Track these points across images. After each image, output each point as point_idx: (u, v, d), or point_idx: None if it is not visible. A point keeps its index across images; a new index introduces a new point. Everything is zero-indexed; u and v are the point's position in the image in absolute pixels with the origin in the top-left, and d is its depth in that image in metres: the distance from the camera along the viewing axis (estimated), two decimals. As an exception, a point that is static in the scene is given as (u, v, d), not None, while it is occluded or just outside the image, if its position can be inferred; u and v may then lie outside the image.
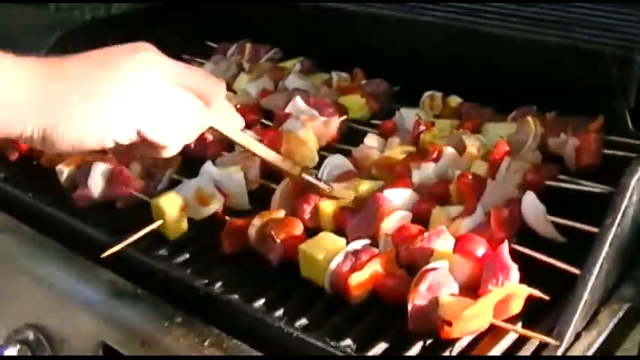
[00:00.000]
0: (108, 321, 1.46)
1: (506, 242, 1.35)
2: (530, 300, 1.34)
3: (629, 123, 1.57)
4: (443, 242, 1.41)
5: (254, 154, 1.55)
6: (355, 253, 1.42)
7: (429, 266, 1.34)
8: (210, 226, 1.61)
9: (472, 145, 1.71)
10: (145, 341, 1.40)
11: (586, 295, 1.33)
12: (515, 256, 1.39)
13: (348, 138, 1.90)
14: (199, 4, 2.45)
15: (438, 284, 1.32)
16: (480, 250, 1.37)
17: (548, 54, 1.73)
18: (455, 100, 1.97)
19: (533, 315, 1.36)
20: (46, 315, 1.56)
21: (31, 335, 1.54)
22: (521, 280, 1.34)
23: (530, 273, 1.39)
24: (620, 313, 1.44)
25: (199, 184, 1.61)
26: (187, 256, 1.56)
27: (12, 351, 1.54)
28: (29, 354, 1.54)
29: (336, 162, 1.69)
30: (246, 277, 1.50)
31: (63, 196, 1.77)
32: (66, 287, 1.55)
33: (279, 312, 1.39)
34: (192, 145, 1.84)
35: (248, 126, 1.90)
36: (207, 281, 1.47)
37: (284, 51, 2.38)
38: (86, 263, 1.57)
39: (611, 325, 1.41)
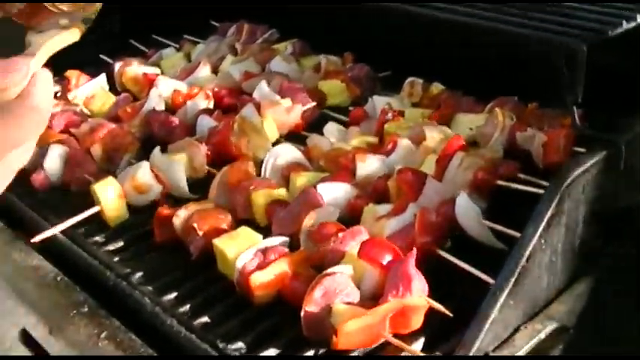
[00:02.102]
0: (27, 307, 1.45)
1: (414, 251, 1.27)
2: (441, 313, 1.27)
3: (577, 118, 1.47)
4: (357, 245, 1.35)
5: None
6: (264, 251, 1.37)
7: (329, 271, 1.29)
8: (153, 214, 1.58)
9: (432, 138, 1.63)
10: (52, 329, 1.39)
11: (494, 313, 1.25)
12: (443, 264, 1.34)
13: (320, 125, 1.83)
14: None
15: (335, 291, 1.26)
16: (386, 257, 1.30)
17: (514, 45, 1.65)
18: (437, 88, 1.89)
19: (441, 329, 1.28)
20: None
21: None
22: (438, 291, 1.27)
23: (459, 282, 1.33)
24: (543, 334, 1.34)
25: (135, 172, 1.59)
26: (121, 243, 1.56)
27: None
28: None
29: (283, 152, 1.63)
30: (170, 267, 1.48)
31: (25, 178, 1.74)
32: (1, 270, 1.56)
33: (185, 307, 1.37)
34: (157, 129, 1.82)
35: (226, 110, 1.88)
36: (129, 270, 1.46)
37: (283, 32, 2.32)
38: (23, 247, 1.57)
39: (527, 347, 1.32)
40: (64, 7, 1.28)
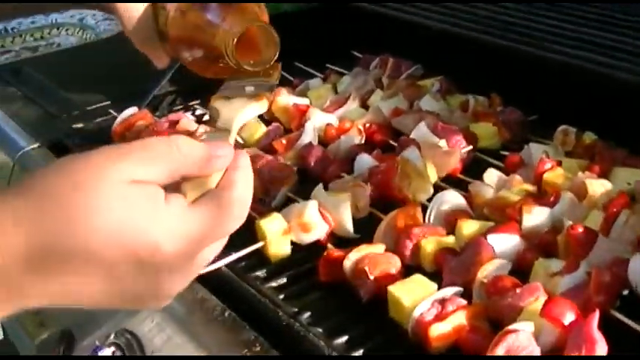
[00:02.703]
0: (193, 340, 1.48)
1: (596, 313, 1.28)
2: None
3: None
4: (535, 301, 1.35)
5: None
6: (442, 301, 1.39)
7: (512, 327, 1.29)
8: (315, 251, 1.60)
9: (594, 191, 1.63)
10: (224, 366, 1.42)
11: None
12: (613, 323, 1.34)
13: (473, 168, 1.84)
14: (350, 13, 2.44)
15: (518, 348, 1.27)
16: (568, 316, 1.31)
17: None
18: (589, 137, 1.87)
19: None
20: (142, 324, 1.60)
21: (124, 341, 1.58)
22: (613, 352, 1.27)
23: (632, 344, 1.33)
24: None
25: (303, 211, 1.60)
26: (284, 280, 1.57)
27: (106, 352, 1.58)
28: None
29: (448, 198, 1.64)
30: (337, 308, 1.49)
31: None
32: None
33: (359, 352, 1.38)
34: (312, 163, 1.84)
35: (377, 146, 1.90)
36: (296, 309, 1.48)
37: (425, 68, 2.32)
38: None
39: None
40: (248, 67, 1.29)
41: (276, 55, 1.30)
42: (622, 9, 2.12)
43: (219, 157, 0.92)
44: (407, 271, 1.51)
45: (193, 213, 0.88)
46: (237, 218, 0.92)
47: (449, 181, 1.80)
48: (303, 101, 2.13)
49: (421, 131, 1.87)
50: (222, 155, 0.92)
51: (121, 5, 1.44)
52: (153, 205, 0.85)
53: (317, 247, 1.62)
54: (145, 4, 1.44)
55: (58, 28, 3.06)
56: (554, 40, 2.00)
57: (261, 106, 1.13)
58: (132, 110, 2.04)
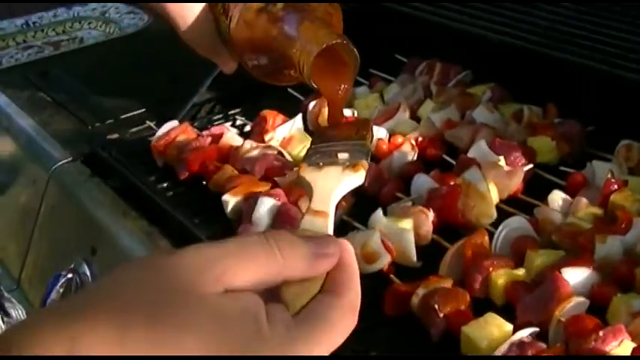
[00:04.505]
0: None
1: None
2: None
3: None
4: (618, 346, 1.29)
5: None
6: (521, 345, 1.32)
7: (597, 376, 1.24)
8: (376, 282, 1.53)
9: (665, 217, 1.55)
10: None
11: None
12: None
13: (533, 186, 1.77)
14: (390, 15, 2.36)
15: (607, 401, 1.21)
16: (659, 365, 1.25)
17: None
18: (652, 153, 1.78)
19: None
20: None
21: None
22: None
23: None
24: None
25: (366, 241, 1.53)
26: (349, 315, 1.50)
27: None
28: None
29: (515, 224, 1.56)
30: (404, 346, 1.44)
31: (228, 228, 1.70)
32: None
33: (434, 398, 1.33)
34: (367, 183, 1.76)
35: (429, 162, 1.82)
36: (362, 348, 1.41)
37: (474, 74, 2.23)
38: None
39: None
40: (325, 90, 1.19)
41: (355, 74, 1.22)
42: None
43: (325, 258, 0.80)
44: (475, 304, 1.45)
45: (300, 333, 0.76)
46: (347, 330, 0.81)
47: (509, 201, 1.72)
48: (348, 112, 2.03)
49: (480, 149, 1.78)
50: (329, 255, 0.81)
51: (173, 9, 1.34)
52: (252, 325, 0.72)
53: (378, 276, 1.55)
54: (201, 6, 1.34)
55: (80, 22, 2.98)
56: (607, 51, 1.92)
57: (358, 177, 0.98)
58: (172, 124, 1.95)
